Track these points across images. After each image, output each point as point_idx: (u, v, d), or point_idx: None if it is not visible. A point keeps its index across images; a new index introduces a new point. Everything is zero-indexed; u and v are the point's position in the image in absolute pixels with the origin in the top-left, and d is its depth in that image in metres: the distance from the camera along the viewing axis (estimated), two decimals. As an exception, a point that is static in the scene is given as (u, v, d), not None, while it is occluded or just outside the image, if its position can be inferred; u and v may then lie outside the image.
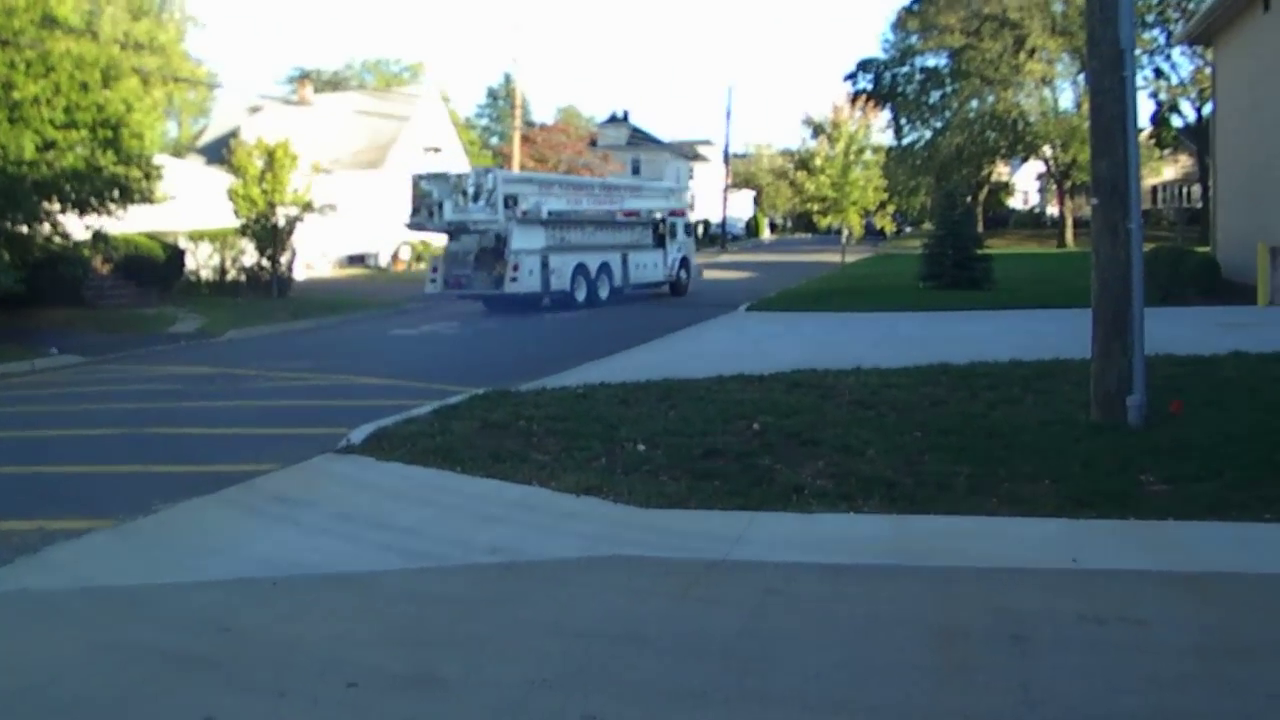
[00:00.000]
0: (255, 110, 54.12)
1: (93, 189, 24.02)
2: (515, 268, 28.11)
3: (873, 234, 73.66)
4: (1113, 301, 9.43)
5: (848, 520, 7.21)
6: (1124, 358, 9.33)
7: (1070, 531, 6.78)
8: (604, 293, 31.21)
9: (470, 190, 27.98)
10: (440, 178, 29.13)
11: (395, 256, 49.28)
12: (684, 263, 35.69)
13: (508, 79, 69.66)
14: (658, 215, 35.08)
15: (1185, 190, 73.01)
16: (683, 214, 36.95)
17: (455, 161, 57.03)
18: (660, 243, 34.75)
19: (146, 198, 25.37)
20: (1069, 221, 67.49)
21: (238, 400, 14.45)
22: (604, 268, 31.40)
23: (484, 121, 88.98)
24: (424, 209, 28.47)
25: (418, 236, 49.68)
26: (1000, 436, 9.18)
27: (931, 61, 70.79)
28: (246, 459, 9.84)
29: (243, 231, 31.16)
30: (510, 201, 28.21)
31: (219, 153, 37.84)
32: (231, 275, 34.23)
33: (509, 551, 6.90)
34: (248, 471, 9.27)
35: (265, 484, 8.95)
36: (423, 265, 48.96)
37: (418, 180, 29.02)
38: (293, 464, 9.52)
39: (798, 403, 11.10)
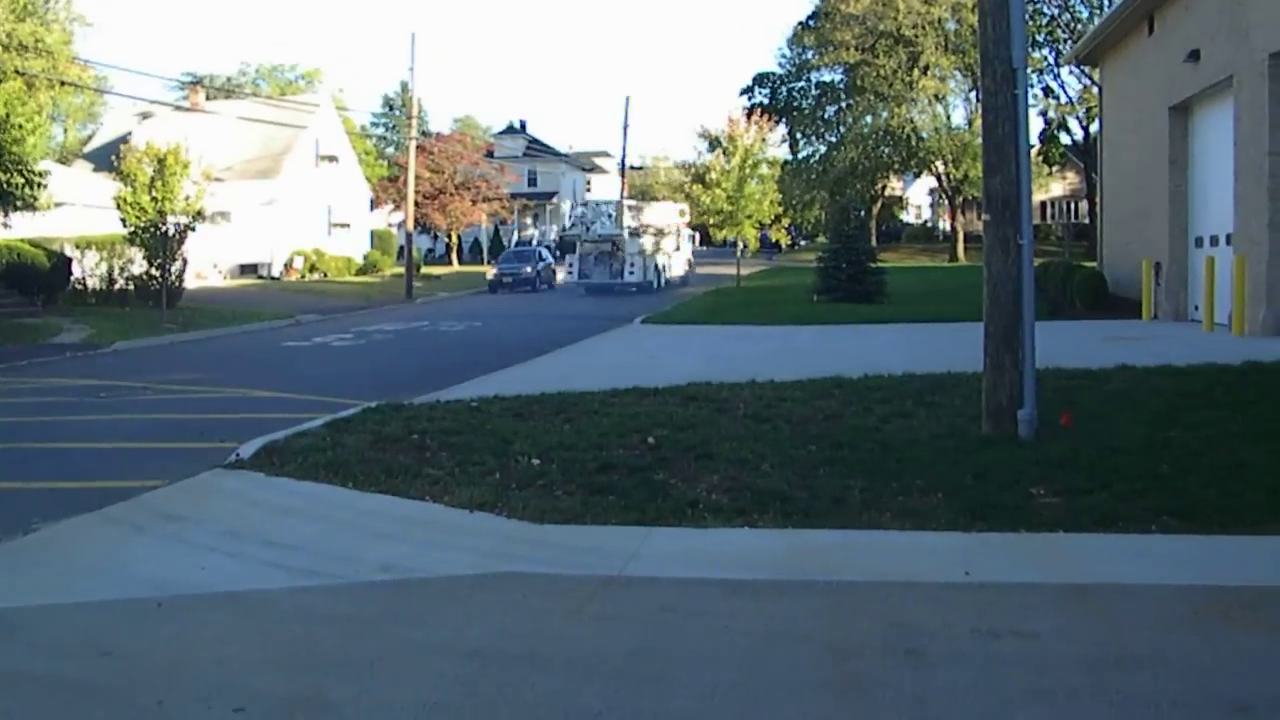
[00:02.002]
0: (146, 116, 53.00)
1: (-30, 195, 23.26)
2: (631, 265, 43.87)
3: (768, 247, 74.21)
4: (1004, 315, 9.57)
5: (743, 535, 7.20)
6: (1015, 371, 9.47)
7: (963, 545, 6.83)
8: (662, 283, 45.20)
9: (610, 214, 44.76)
10: (588, 205, 48.49)
11: (288, 266, 48.53)
12: (689, 263, 51.32)
13: (404, 88, 68.96)
14: (673, 228, 48.40)
15: (1073, 206, 74.77)
16: (686, 227, 51.59)
17: (349, 171, 56.47)
18: (678, 248, 49.25)
19: (29, 204, 24.62)
20: (960, 236, 68.78)
21: (125, 414, 14.07)
22: (664, 265, 46.46)
23: (380, 130, 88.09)
24: (580, 225, 46.11)
25: (310, 246, 49.33)
26: (893, 450, 9.25)
27: (827, 77, 71.80)
28: (132, 475, 9.59)
29: (131, 240, 30.39)
30: (623, 220, 43.92)
31: (108, 159, 36.92)
32: (120, 284, 33.53)
33: (401, 569, 6.78)
34: (133, 488, 9.01)
35: (151, 501, 8.70)
36: (315, 275, 48.54)
37: (575, 206, 47.64)
38: (180, 480, 9.27)
39: (693, 416, 11.10)
